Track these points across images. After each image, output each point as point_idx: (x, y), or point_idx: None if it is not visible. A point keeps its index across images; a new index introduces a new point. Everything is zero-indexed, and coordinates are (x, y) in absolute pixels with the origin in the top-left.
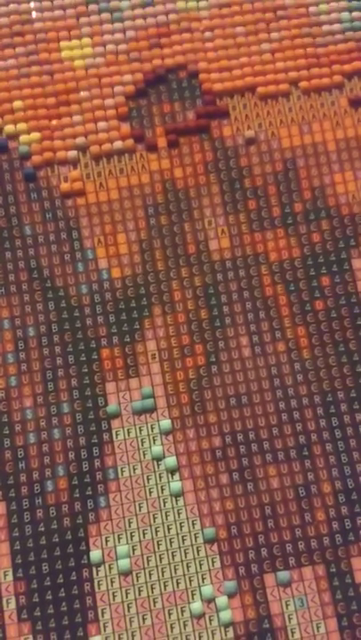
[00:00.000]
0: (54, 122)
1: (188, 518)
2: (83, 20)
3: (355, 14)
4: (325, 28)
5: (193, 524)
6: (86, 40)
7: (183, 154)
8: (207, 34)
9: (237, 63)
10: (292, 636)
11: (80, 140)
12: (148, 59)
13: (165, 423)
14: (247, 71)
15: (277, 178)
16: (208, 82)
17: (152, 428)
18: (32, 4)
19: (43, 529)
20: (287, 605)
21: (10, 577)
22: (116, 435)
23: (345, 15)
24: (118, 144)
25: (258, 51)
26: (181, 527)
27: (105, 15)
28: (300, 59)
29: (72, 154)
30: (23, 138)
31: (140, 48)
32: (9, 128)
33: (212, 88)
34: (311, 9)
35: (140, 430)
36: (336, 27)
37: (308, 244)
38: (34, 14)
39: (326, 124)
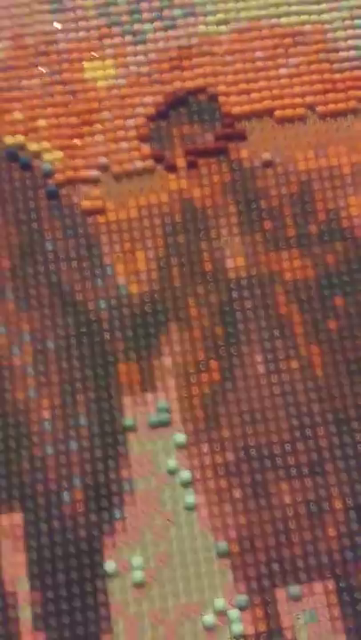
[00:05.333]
0: (77, 141)
1: (201, 532)
2: (106, 41)
3: None
4: (342, 54)
5: (206, 538)
6: (109, 61)
7: (202, 175)
8: (227, 57)
9: (256, 87)
10: None
11: (102, 160)
12: (168, 81)
13: (180, 437)
14: (265, 95)
15: (293, 199)
16: (227, 105)
17: (167, 442)
18: (58, 26)
19: (59, 539)
20: (297, 619)
21: (26, 586)
22: (132, 448)
23: None
24: (139, 164)
25: (276, 75)
26: (194, 540)
27: (128, 37)
28: (316, 84)
29: (93, 173)
30: (46, 156)
31: (161, 70)
32: (33, 146)
33: (230, 111)
34: (328, 35)
35: (155, 444)
36: (352, 53)
37: (323, 265)
38: (58, 35)
39: (342, 147)
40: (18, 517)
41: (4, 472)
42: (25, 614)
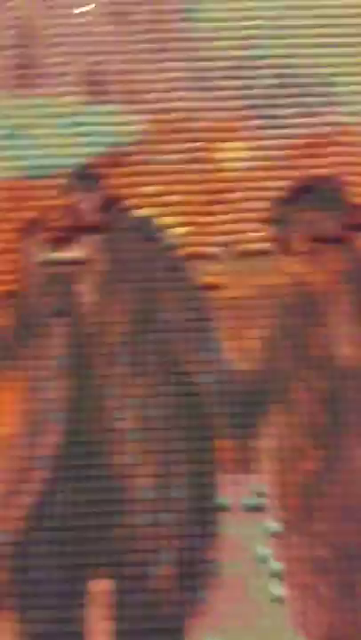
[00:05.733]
0: (203, 218)
1: (287, 624)
2: (243, 123)
3: None
4: None
5: (293, 634)
6: (243, 144)
7: (321, 261)
8: (360, 148)
9: None
10: None
11: (225, 238)
12: (299, 166)
13: (275, 526)
14: None
15: None
16: (356, 196)
17: (261, 527)
18: (195, 104)
19: (142, 613)
20: None
21: None
22: (224, 529)
23: None
24: (260, 245)
25: None
26: (280, 633)
27: (263, 121)
28: None
29: (216, 250)
30: (175, 230)
31: (292, 156)
32: (164, 220)
33: (356, 201)
34: None
35: (249, 528)
36: None
37: None
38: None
39: None
40: (106, 584)
41: (101, 538)
42: None
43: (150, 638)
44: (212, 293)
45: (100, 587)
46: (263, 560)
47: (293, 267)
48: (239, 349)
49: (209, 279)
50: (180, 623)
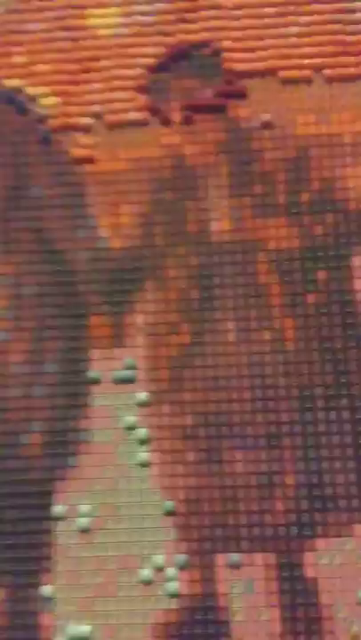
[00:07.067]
0: (74, 88)
1: (150, 489)
2: None
3: None
4: (358, 15)
5: (154, 495)
6: (114, 9)
7: (196, 131)
8: (235, 12)
9: (263, 44)
10: (234, 616)
11: (96, 108)
12: (172, 32)
13: (142, 396)
14: (272, 53)
15: (288, 165)
16: (230, 61)
17: (129, 399)
18: None
19: (12, 478)
20: (233, 587)
21: None
22: (94, 400)
23: None
24: (133, 115)
25: (285, 33)
26: (143, 496)
27: None
28: (327, 45)
29: (87, 121)
30: (43, 101)
31: (165, 21)
32: (31, 90)
33: (233, 68)
34: None
35: (117, 399)
36: None
37: (309, 236)
38: None
39: (345, 115)
40: None
41: None
42: None
43: (18, 501)
44: (85, 167)
45: None
46: (132, 428)
47: (169, 138)
48: (113, 225)
49: (82, 152)
50: (49, 486)
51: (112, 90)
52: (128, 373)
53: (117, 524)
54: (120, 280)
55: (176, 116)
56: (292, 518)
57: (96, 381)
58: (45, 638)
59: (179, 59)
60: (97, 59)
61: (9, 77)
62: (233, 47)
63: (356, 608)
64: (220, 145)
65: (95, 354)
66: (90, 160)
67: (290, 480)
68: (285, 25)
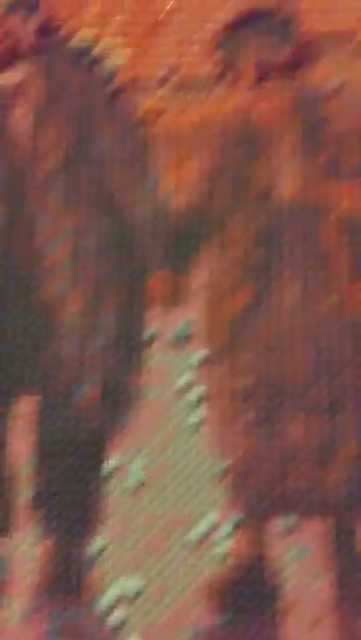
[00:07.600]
0: (148, 40)
1: (205, 447)
2: None
3: None
4: None
5: (211, 455)
6: None
7: (267, 92)
8: None
9: (340, 7)
10: (288, 580)
11: (170, 61)
12: None
13: (201, 354)
14: (349, 16)
15: (359, 129)
16: (306, 23)
17: (186, 358)
18: None
19: (69, 427)
20: (287, 551)
21: (30, 466)
22: (151, 358)
23: None
24: (204, 71)
25: None
26: (198, 454)
27: None
28: None
29: (159, 74)
30: (114, 55)
31: None
32: (106, 42)
33: (309, 30)
34: None
35: (176, 357)
36: None
37: None
38: None
39: None
40: (33, 403)
41: (30, 359)
42: (26, 493)
43: (74, 450)
44: (151, 123)
45: (26, 406)
46: (186, 389)
47: (238, 96)
48: (177, 181)
49: (149, 106)
50: (100, 439)
51: (187, 44)
52: (187, 331)
53: (172, 482)
54: (184, 237)
55: (248, 75)
56: (351, 487)
57: (153, 339)
58: (96, 592)
59: (255, 18)
60: (173, 12)
61: (83, 26)
62: (309, 9)
63: None
64: (290, 107)
65: (154, 311)
66: (159, 112)
67: (353, 447)
68: None
